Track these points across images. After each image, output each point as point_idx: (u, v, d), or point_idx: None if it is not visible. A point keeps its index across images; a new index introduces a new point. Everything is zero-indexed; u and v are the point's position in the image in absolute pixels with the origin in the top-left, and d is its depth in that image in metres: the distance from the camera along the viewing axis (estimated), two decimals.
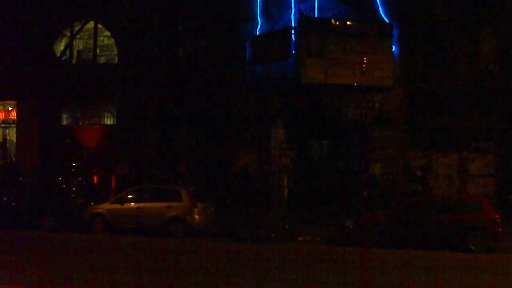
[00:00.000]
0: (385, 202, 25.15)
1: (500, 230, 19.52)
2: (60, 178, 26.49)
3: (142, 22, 29.00)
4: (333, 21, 26.21)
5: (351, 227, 20.88)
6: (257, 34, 27.95)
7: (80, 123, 30.72)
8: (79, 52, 31.33)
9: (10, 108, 31.49)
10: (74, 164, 28.03)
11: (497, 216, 19.76)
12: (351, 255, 18.84)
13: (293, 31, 26.29)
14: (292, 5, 27.32)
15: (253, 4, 28.27)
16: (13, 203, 24.61)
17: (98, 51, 31.16)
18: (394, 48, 26.47)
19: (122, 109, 30.05)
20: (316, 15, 27.11)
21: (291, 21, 27.06)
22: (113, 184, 27.05)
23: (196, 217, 22.33)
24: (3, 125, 32.07)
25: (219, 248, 20.10)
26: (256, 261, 17.87)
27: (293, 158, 28.10)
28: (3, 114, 31.83)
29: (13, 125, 31.47)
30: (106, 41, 31.25)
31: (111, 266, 16.33)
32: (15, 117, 31.06)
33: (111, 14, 29.65)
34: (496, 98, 26.77)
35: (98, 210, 23.18)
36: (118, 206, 22.90)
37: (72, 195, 25.46)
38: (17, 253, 18.19)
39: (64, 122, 30.83)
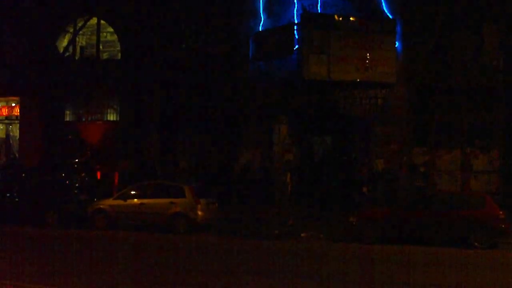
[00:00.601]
0: (388, 198, 25.14)
1: (503, 226, 19.48)
2: (63, 174, 26.51)
3: (145, 18, 28.99)
4: (336, 17, 26.18)
5: (354, 223, 20.85)
6: (260, 30, 27.93)
7: (83, 119, 30.77)
8: (82, 48, 31.37)
9: (13, 104, 31.57)
10: (77, 160, 28.06)
11: (501, 213, 19.72)
12: (353, 251, 18.83)
13: (296, 27, 26.28)
14: (295, 1, 27.28)
15: (255, 0, 28.22)
16: (17, 200, 24.63)
17: (101, 47, 31.23)
18: (397, 44, 26.44)
19: (125, 105, 30.09)
20: (319, 11, 27.08)
21: (294, 17, 27.03)
22: (116, 180, 27.02)
23: (199, 213, 22.29)
24: (6, 121, 32.17)
25: (222, 245, 20.09)
26: (259, 258, 17.86)
27: (296, 154, 28.17)
28: (6, 110, 31.92)
29: (16, 121, 31.55)
30: (109, 37, 31.30)
31: (113, 262, 16.35)
32: (18, 113, 31.13)
33: (114, 10, 29.63)
34: (500, 94, 26.71)
35: (101, 206, 23.16)
36: (121, 202, 22.86)
37: (75, 191, 25.45)
38: (20, 249, 18.21)
39: (67, 118, 30.90)
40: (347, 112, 26.90)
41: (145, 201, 22.70)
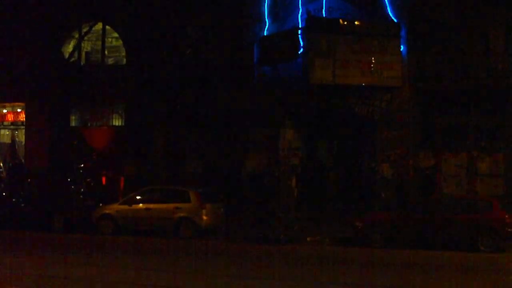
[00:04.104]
0: (395, 202, 25.07)
1: (510, 230, 19.42)
2: (68, 180, 26.53)
3: (150, 23, 29.00)
4: (341, 21, 26.15)
5: (360, 227, 20.81)
6: (265, 35, 27.92)
7: (89, 125, 30.77)
8: (87, 53, 31.41)
9: (19, 110, 31.61)
10: (82, 165, 28.09)
11: (507, 216, 19.68)
12: (359, 256, 18.78)
13: (301, 32, 26.25)
14: (300, 5, 27.25)
15: (261, 5, 28.23)
16: (22, 205, 24.65)
17: (106, 52, 31.22)
18: (402, 47, 26.39)
19: (130, 110, 30.09)
20: (324, 16, 27.05)
21: (299, 22, 26.99)
22: (122, 185, 27.06)
23: (205, 218, 22.31)
24: (12, 126, 32.20)
25: (227, 249, 20.07)
26: (264, 262, 17.83)
27: (302, 159, 28.12)
28: (12, 115, 31.96)
29: (22, 127, 31.59)
30: (114, 43, 31.31)
31: (117, 267, 16.33)
32: (24, 119, 31.17)
33: (119, 16, 29.67)
34: (506, 97, 26.61)
35: (107, 211, 23.20)
36: (126, 207, 22.89)
37: (81, 197, 25.49)
38: (23, 254, 18.20)
39: (73, 124, 30.91)
40: (353, 116, 26.83)
41: (150, 206, 22.75)
